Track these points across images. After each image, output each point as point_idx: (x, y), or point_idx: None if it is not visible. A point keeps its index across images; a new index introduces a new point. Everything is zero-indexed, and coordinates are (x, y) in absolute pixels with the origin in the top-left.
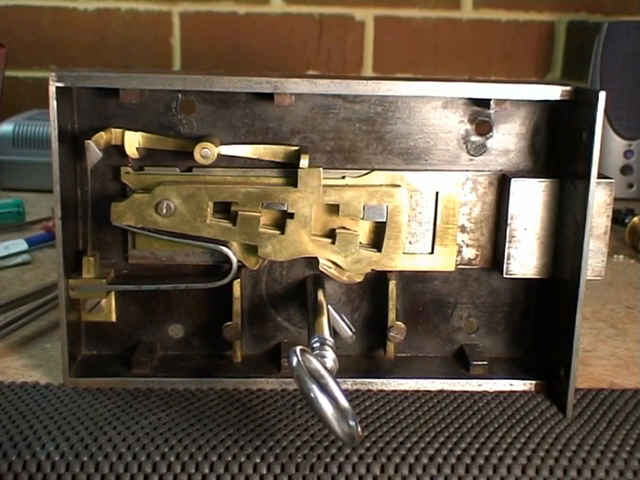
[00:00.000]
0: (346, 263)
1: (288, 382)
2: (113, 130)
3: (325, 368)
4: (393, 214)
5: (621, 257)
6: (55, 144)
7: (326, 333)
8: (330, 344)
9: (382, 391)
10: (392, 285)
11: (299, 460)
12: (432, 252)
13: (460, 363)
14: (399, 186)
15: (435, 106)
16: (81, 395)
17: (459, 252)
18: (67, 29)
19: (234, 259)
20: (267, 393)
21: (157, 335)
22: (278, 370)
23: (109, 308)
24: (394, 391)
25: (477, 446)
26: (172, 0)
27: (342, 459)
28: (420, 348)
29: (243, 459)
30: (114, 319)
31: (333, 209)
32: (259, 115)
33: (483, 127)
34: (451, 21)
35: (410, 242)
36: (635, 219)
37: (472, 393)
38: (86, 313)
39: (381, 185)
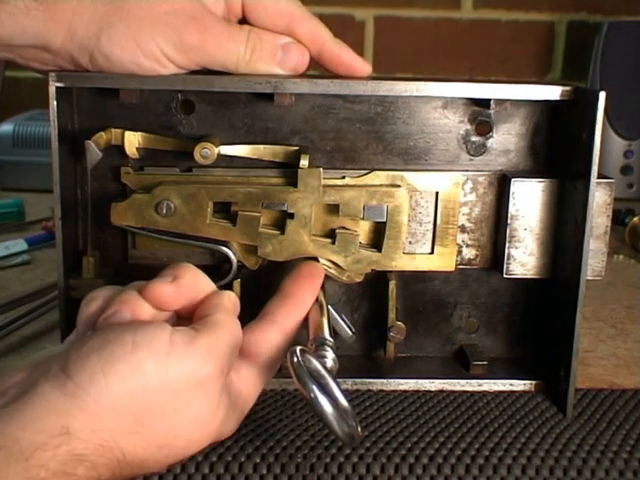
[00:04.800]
0: (346, 263)
1: (288, 382)
2: (113, 130)
3: (325, 368)
4: (393, 214)
5: (621, 257)
6: (55, 144)
7: (326, 333)
8: (330, 344)
9: (382, 391)
10: (392, 285)
11: (299, 460)
12: (432, 252)
13: (460, 363)
14: (399, 186)
15: (435, 106)
16: None
17: (459, 252)
18: None
19: (234, 259)
20: (267, 393)
21: None
22: (278, 370)
23: None
24: (394, 391)
25: (477, 446)
26: None
27: (342, 459)
28: (420, 348)
29: (243, 459)
30: None
31: (333, 209)
32: (259, 115)
33: (483, 127)
34: (451, 21)
35: (410, 242)
36: (635, 219)
37: (472, 393)
38: None
39: (381, 185)
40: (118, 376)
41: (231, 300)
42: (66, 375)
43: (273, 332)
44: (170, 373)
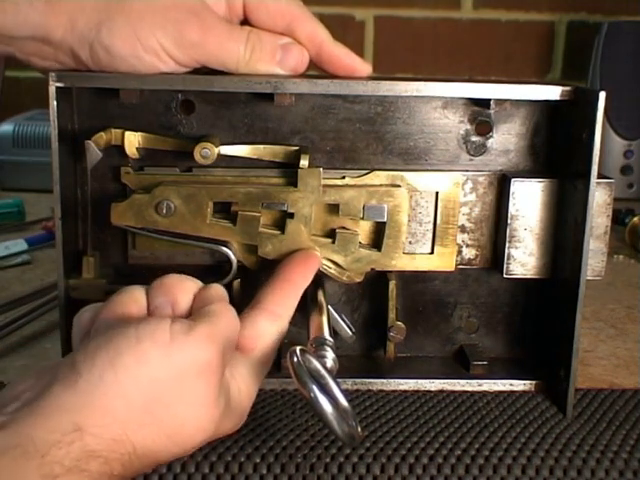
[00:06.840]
0: (346, 262)
1: (288, 382)
2: (113, 130)
3: (325, 368)
4: (393, 214)
5: (621, 257)
6: (55, 144)
7: (326, 333)
8: (330, 344)
9: (382, 391)
10: (392, 285)
11: (299, 460)
12: (432, 252)
13: (460, 363)
14: (399, 186)
15: (435, 106)
16: None
17: (459, 252)
18: None
19: (234, 259)
20: (267, 393)
21: None
22: (278, 370)
23: None
24: (394, 391)
25: (477, 446)
26: None
27: (342, 459)
28: (420, 348)
29: (243, 459)
30: None
31: (333, 209)
32: (259, 115)
33: (483, 127)
34: (451, 21)
35: (410, 242)
36: (635, 219)
37: (472, 393)
38: None
39: (381, 185)
40: (126, 368)
41: (219, 291)
42: (76, 374)
43: (266, 323)
44: (174, 361)
